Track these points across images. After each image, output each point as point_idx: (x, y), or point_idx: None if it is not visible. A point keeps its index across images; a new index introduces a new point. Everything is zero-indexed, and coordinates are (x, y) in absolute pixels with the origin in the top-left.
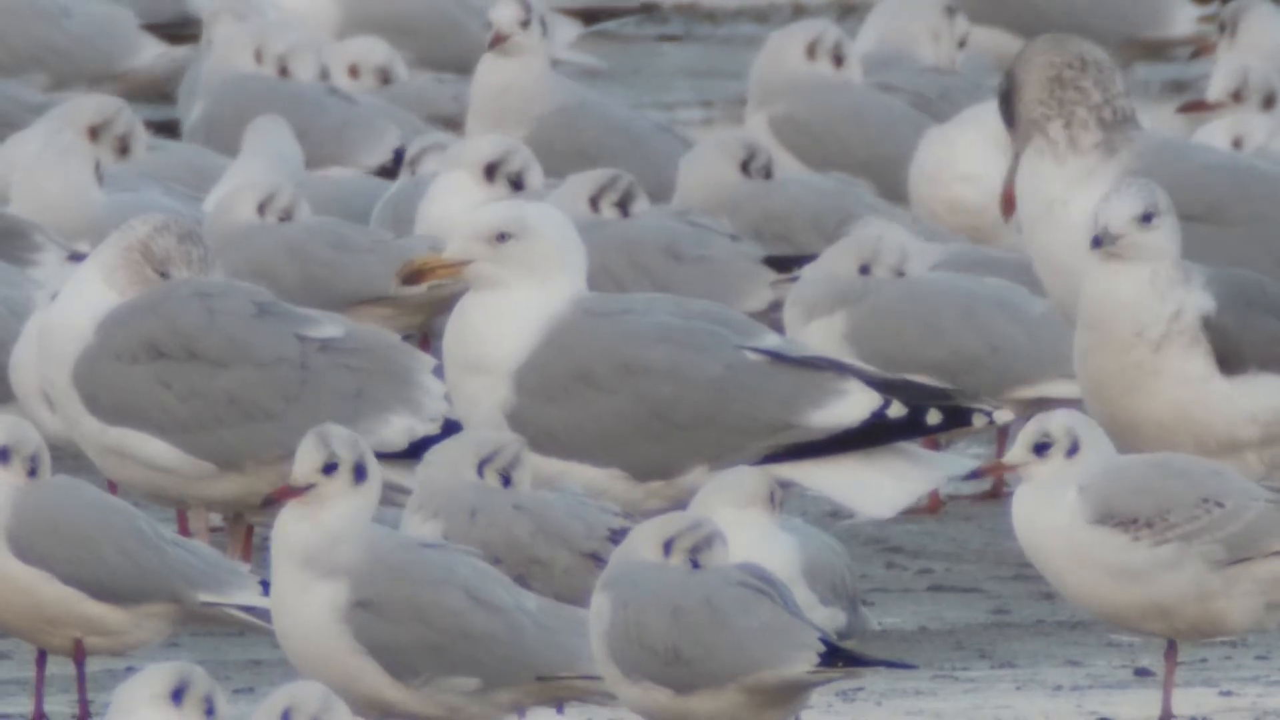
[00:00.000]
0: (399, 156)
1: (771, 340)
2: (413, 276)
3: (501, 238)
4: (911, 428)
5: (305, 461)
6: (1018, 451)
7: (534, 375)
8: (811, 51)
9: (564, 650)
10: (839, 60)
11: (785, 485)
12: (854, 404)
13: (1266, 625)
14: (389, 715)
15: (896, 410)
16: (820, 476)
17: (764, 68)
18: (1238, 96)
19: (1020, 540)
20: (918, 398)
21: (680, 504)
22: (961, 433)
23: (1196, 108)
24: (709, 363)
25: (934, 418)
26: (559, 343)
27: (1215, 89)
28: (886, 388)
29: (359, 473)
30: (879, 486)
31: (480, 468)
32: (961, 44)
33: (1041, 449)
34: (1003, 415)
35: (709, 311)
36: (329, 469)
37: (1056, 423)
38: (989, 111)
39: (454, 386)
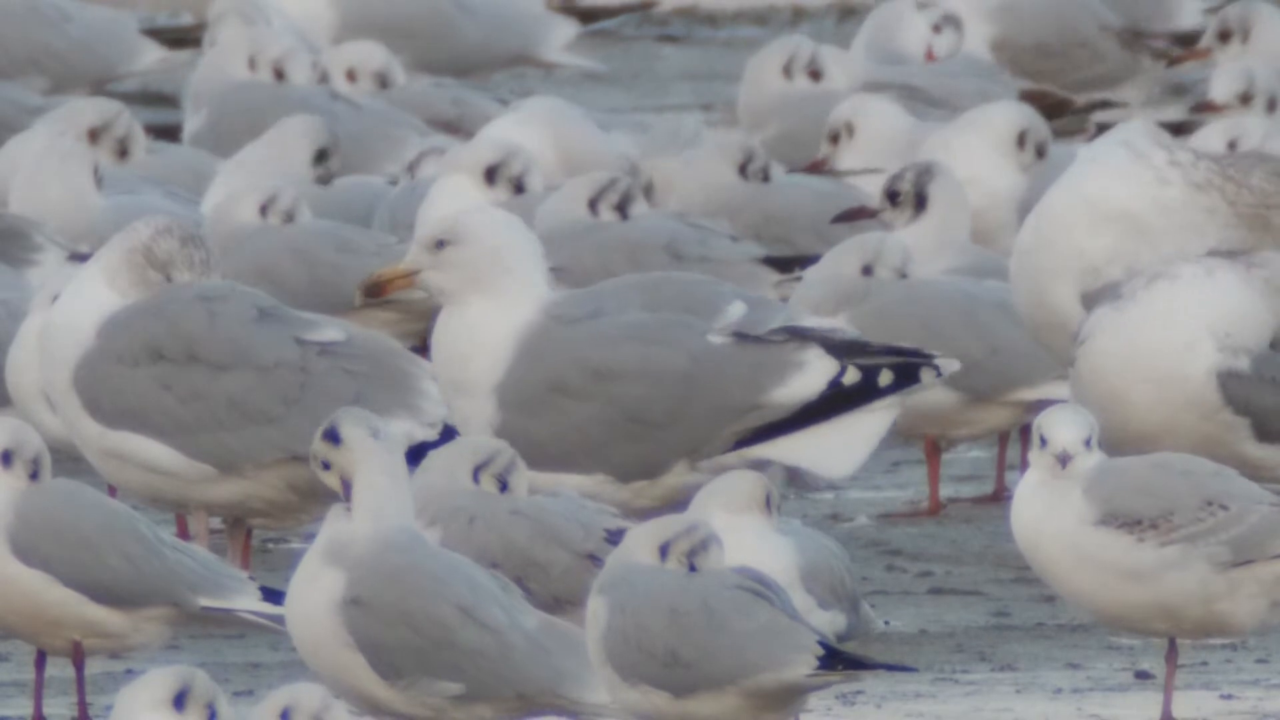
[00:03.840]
0: None
1: (736, 311)
2: (373, 289)
3: (440, 245)
4: (866, 391)
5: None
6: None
7: (512, 390)
8: (787, 70)
9: (554, 671)
10: (816, 74)
11: (763, 464)
12: (813, 374)
13: (1272, 625)
14: (378, 711)
15: (851, 376)
16: (790, 449)
17: (747, 94)
18: (1245, 99)
19: (1022, 545)
20: (872, 360)
21: (668, 502)
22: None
23: (1206, 109)
24: (675, 357)
25: (885, 379)
26: (531, 355)
27: (1222, 91)
28: (848, 350)
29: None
30: (839, 448)
31: (475, 473)
32: (938, 30)
33: (1089, 443)
34: (948, 364)
35: (678, 292)
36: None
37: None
38: (988, 115)
39: (450, 408)
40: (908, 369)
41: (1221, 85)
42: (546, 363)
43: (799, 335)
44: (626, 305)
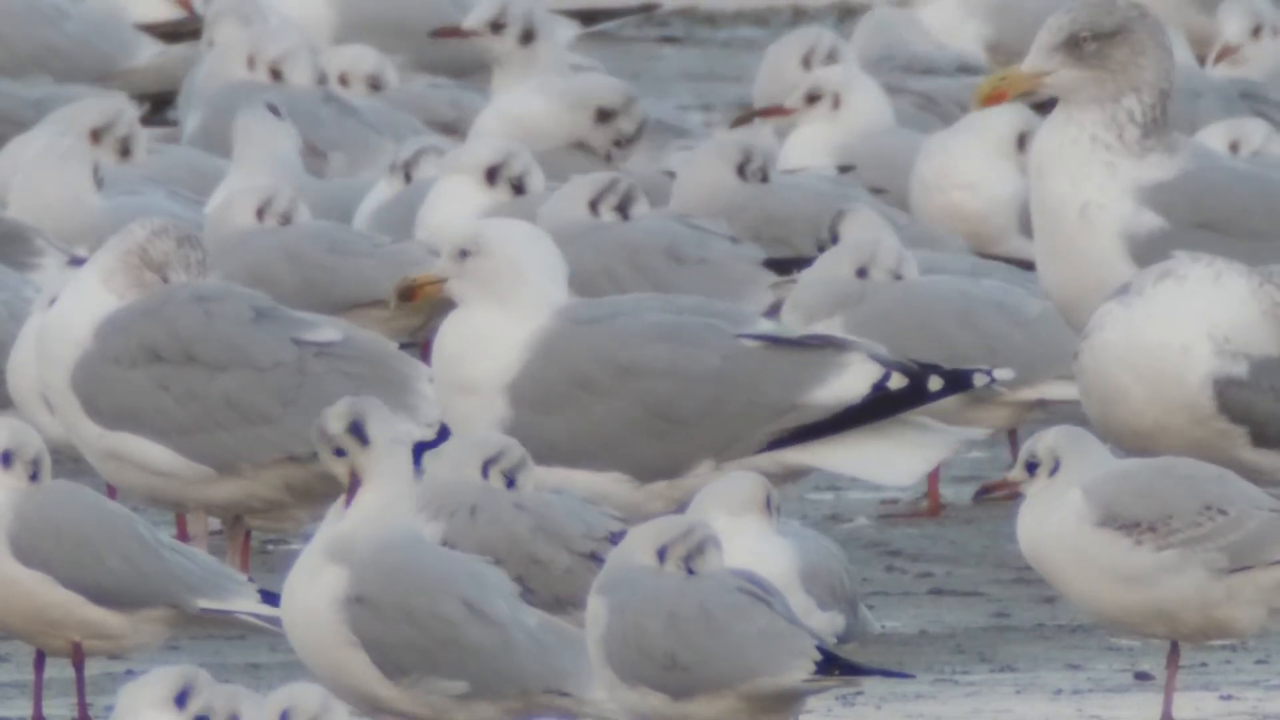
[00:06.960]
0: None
1: (766, 325)
2: (406, 293)
3: (463, 254)
4: (914, 396)
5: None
6: (1016, 470)
7: (530, 388)
8: (807, 60)
9: (555, 669)
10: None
11: (799, 473)
12: (856, 376)
13: (1271, 629)
14: (379, 710)
15: (897, 381)
16: (832, 456)
17: (765, 82)
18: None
19: (1024, 546)
20: (918, 370)
21: (682, 505)
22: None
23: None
24: (707, 355)
25: (935, 384)
26: (553, 353)
27: None
28: (888, 363)
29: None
30: (896, 456)
31: (485, 468)
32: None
33: (1031, 467)
34: (1003, 373)
35: (700, 305)
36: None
37: (1043, 443)
38: (988, 118)
39: (447, 409)
40: (959, 376)
41: None
42: (569, 359)
43: (838, 343)
44: (648, 311)
